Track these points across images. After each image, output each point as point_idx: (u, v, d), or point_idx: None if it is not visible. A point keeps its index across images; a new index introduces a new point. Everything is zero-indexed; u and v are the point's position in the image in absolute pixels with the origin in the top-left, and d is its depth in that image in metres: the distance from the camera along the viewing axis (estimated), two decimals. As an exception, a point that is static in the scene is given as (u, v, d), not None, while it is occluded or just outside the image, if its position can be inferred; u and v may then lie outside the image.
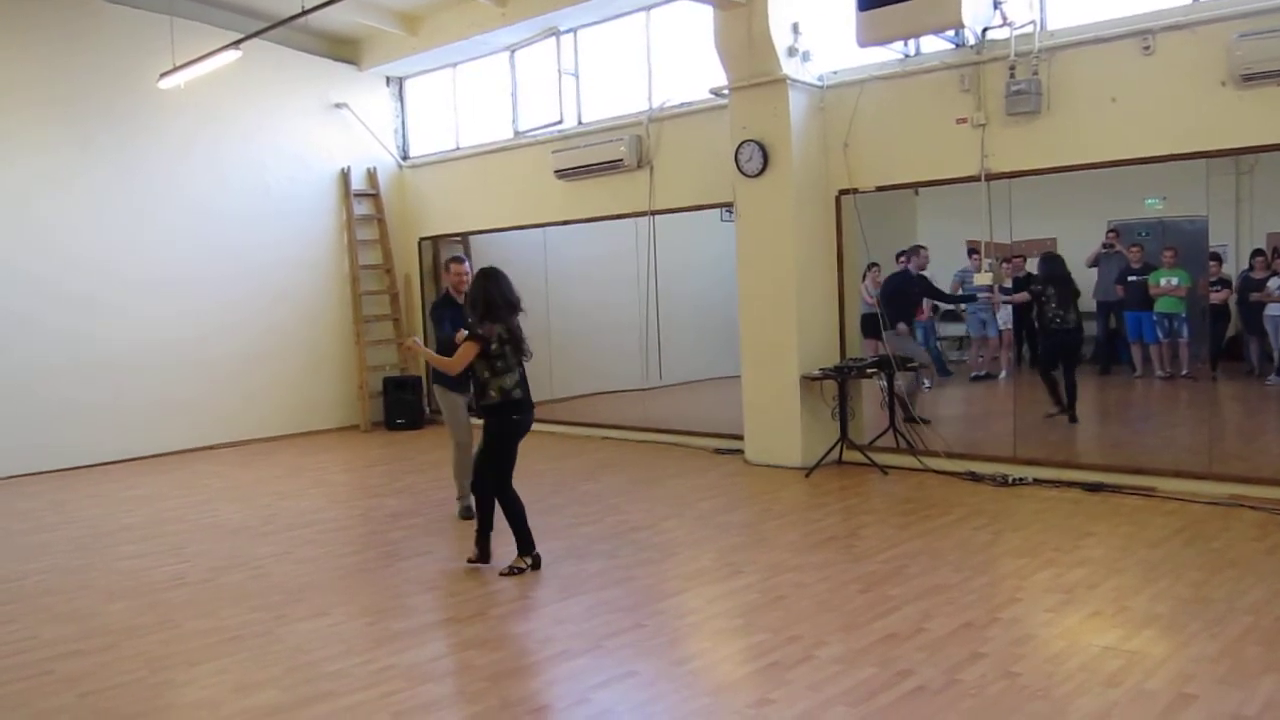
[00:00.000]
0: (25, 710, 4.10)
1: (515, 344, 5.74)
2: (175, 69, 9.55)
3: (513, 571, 5.72)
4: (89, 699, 4.19)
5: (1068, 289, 8.15)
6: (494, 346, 5.64)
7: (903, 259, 8.81)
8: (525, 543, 5.80)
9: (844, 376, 8.29)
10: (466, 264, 7.09)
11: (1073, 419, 8.36)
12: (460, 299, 6.73)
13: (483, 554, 5.90)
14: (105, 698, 4.20)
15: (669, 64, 9.87)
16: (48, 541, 7.02)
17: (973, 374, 9.65)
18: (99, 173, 10.17)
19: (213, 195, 11.00)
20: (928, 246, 8.85)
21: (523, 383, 5.80)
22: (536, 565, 5.80)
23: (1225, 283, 7.80)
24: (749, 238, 8.68)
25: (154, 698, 4.20)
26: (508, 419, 5.74)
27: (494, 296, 5.70)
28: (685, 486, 8.05)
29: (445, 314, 6.87)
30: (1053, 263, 8.25)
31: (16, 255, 9.62)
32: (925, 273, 8.84)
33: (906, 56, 8.17)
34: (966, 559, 5.68)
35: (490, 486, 5.83)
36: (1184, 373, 8.26)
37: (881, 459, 8.26)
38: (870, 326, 8.70)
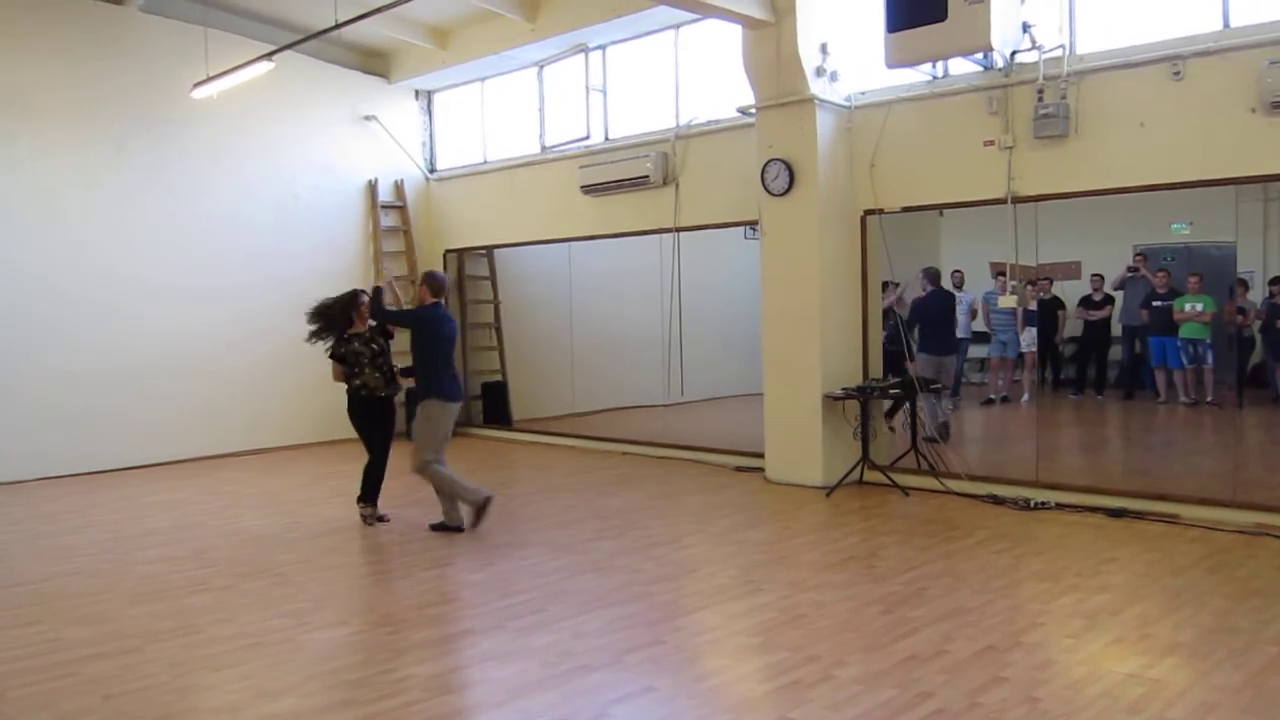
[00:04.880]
0: (49, 712, 4.14)
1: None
2: (209, 79, 9.69)
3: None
4: (112, 701, 4.22)
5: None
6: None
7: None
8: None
9: (866, 396, 8.27)
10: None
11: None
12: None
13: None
14: (128, 701, 4.23)
15: (696, 82, 9.92)
16: (72, 545, 7.09)
17: (985, 397, 9.63)
18: (129, 179, 10.29)
19: (240, 204, 11.12)
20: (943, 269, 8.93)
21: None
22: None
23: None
24: (774, 256, 8.69)
25: (176, 702, 4.24)
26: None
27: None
28: (706, 503, 8.05)
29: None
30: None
31: (46, 262, 9.74)
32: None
33: (934, 78, 8.17)
34: (988, 582, 5.65)
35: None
36: (1209, 399, 8.21)
37: (903, 480, 8.23)
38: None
